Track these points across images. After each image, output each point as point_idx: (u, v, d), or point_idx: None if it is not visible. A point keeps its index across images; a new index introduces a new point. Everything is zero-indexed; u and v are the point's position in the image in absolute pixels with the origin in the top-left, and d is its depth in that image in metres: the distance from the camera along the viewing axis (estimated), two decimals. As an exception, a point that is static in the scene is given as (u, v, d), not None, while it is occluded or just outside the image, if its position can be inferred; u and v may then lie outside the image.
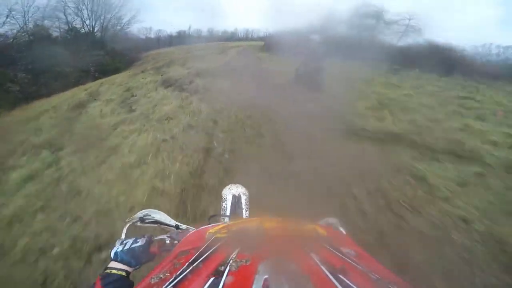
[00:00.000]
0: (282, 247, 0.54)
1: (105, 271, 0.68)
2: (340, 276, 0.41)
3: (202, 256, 0.50)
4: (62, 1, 14.46)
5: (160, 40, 23.66)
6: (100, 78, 11.48)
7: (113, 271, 0.68)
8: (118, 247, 0.74)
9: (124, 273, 0.68)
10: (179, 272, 0.45)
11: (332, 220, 0.98)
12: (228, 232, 0.67)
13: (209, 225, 0.79)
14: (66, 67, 11.53)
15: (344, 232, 0.93)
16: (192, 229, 0.86)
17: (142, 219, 0.87)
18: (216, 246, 0.54)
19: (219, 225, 0.76)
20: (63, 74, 11.38)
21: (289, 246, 0.55)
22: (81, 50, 12.74)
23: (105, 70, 12.55)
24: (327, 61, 7.93)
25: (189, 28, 24.99)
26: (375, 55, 10.93)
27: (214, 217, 1.08)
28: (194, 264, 0.47)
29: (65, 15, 14.79)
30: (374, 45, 13.06)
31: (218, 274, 0.41)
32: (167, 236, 0.83)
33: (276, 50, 11.90)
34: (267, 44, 15.63)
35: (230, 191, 1.43)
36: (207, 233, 0.68)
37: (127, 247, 0.73)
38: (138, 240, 0.76)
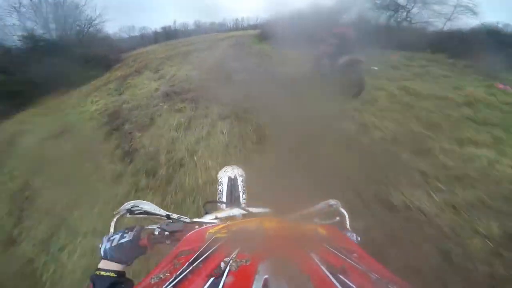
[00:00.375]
0: (282, 247, 0.54)
1: (96, 273, 0.65)
2: (340, 276, 0.41)
3: (202, 256, 0.50)
4: (13, 5, 11.86)
5: (144, 38, 22.69)
6: (68, 91, 9.42)
7: (102, 273, 0.64)
8: (106, 244, 0.70)
9: (114, 274, 0.65)
10: (179, 272, 0.45)
11: (332, 201, 0.96)
12: (228, 232, 0.67)
13: (209, 225, 0.78)
14: (20, 84, 8.74)
15: (345, 213, 0.92)
16: (184, 218, 0.84)
17: (130, 211, 0.83)
18: (216, 246, 0.54)
19: (219, 225, 0.75)
20: (12, 94, 8.45)
21: (289, 246, 0.55)
22: (42, 60, 9.87)
23: (71, 81, 10.19)
24: (361, 51, 5.29)
25: (174, 22, 24.43)
26: (421, 44, 8.74)
27: (210, 203, 1.05)
28: (194, 264, 0.47)
29: (20, 21, 12.10)
30: (415, 31, 10.52)
31: (218, 274, 0.42)
32: (157, 227, 0.79)
33: (277, 38, 9.57)
34: (263, 33, 13.01)
35: (226, 174, 1.38)
36: (207, 233, 0.67)
37: (115, 243, 0.70)
38: (125, 234, 0.72)
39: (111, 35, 17.70)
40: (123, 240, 0.71)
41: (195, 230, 0.77)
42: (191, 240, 0.68)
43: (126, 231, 0.74)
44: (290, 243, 0.57)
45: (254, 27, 19.90)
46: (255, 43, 12.53)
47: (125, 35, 21.74)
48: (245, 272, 0.42)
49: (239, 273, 0.42)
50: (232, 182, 1.33)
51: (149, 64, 10.58)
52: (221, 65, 8.18)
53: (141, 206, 0.84)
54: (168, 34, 22.60)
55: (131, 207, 0.83)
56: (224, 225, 0.73)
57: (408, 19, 11.41)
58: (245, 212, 0.92)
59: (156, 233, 0.78)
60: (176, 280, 0.43)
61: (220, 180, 1.36)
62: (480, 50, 7.67)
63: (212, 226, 0.75)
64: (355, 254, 0.55)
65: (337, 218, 0.93)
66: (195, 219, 0.86)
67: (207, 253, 0.51)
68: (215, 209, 1.10)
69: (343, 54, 5.13)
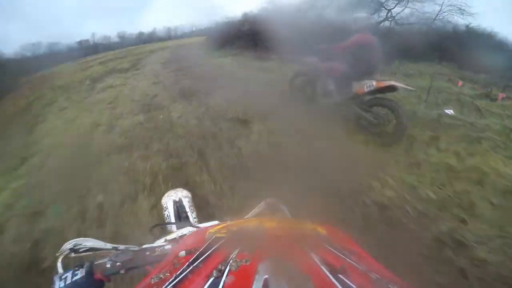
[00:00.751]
0: (282, 247, 0.54)
1: None
2: (340, 276, 0.41)
3: (202, 256, 0.50)
4: None
5: (53, 56, 18.78)
6: None
7: None
8: (59, 283, 0.67)
9: None
10: (179, 272, 0.46)
11: (270, 199, 0.99)
12: (228, 232, 0.67)
13: (208, 225, 0.79)
14: None
15: (285, 208, 0.95)
16: (133, 247, 0.84)
17: (74, 250, 0.81)
18: (216, 246, 0.55)
19: (219, 224, 0.76)
20: None
21: (289, 246, 0.55)
22: None
23: None
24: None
25: (93, 35, 22.03)
26: (416, 50, 6.94)
27: (157, 226, 1.05)
28: (194, 264, 0.47)
29: None
30: (405, 34, 8.04)
31: (218, 274, 0.42)
32: (108, 260, 0.79)
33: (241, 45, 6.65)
34: (218, 38, 8.76)
35: (170, 198, 1.36)
36: (207, 233, 0.68)
37: (68, 281, 0.68)
38: (76, 272, 0.71)
39: (10, 55, 14.40)
40: (76, 278, 0.69)
41: (194, 231, 0.79)
42: (191, 240, 0.69)
43: (76, 268, 0.72)
44: (290, 243, 0.57)
45: (190, 35, 18.03)
46: (205, 53, 8.25)
47: (28, 54, 18.41)
48: (245, 272, 0.42)
49: (239, 273, 0.42)
50: (177, 205, 1.32)
51: (34, 104, 6.62)
52: (148, 109, 4.30)
53: (84, 244, 0.82)
54: (85, 49, 20.24)
55: (73, 246, 0.81)
56: (224, 225, 0.74)
57: (390, 19, 9.20)
58: (195, 229, 0.93)
59: (108, 265, 0.78)
60: (176, 280, 0.43)
61: (165, 206, 1.34)
62: (487, 57, 6.34)
63: (212, 226, 0.75)
64: (355, 254, 0.56)
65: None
66: (144, 246, 0.86)
67: (207, 253, 0.51)
68: (167, 231, 1.09)
69: (361, 77, 3.38)
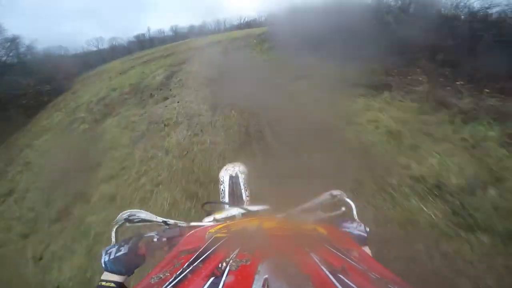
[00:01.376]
0: (282, 246, 0.54)
1: (99, 283, 0.67)
2: (340, 276, 0.41)
3: (202, 256, 0.50)
4: None
5: (115, 50, 20.16)
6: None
7: (103, 283, 0.66)
8: (104, 257, 0.71)
9: (113, 284, 0.66)
10: (179, 272, 0.45)
11: (336, 192, 0.92)
12: (228, 232, 0.67)
13: (208, 225, 0.79)
14: None
15: (351, 203, 0.88)
16: (181, 223, 0.84)
17: (128, 220, 0.85)
18: (216, 246, 0.54)
19: (219, 224, 0.76)
20: None
21: (289, 246, 0.55)
22: None
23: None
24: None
25: (148, 30, 22.55)
26: None
27: (209, 204, 1.05)
28: (194, 264, 0.47)
29: None
30: None
31: (218, 273, 0.42)
32: (155, 234, 0.81)
33: None
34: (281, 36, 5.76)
35: (227, 172, 1.35)
36: (207, 233, 0.68)
37: (112, 256, 0.70)
38: (121, 247, 0.73)
39: (77, 50, 15.16)
40: (119, 254, 0.71)
41: (195, 230, 0.78)
42: (191, 240, 0.69)
43: (122, 243, 0.74)
44: (290, 243, 0.57)
45: (238, 27, 17.54)
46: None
47: (94, 48, 19.90)
48: (245, 271, 0.41)
49: (239, 272, 0.41)
50: (233, 180, 1.31)
51: (51, 124, 5.36)
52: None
53: (137, 215, 0.85)
54: (142, 43, 21.42)
55: (128, 216, 0.84)
56: (224, 224, 0.74)
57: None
58: (244, 211, 0.92)
59: (155, 240, 0.80)
60: (176, 280, 0.42)
61: (221, 180, 1.34)
62: None
63: (212, 226, 0.75)
64: (355, 254, 0.56)
65: (343, 208, 0.90)
66: (192, 223, 0.86)
67: (207, 253, 0.51)
68: (218, 209, 1.07)
69: None
